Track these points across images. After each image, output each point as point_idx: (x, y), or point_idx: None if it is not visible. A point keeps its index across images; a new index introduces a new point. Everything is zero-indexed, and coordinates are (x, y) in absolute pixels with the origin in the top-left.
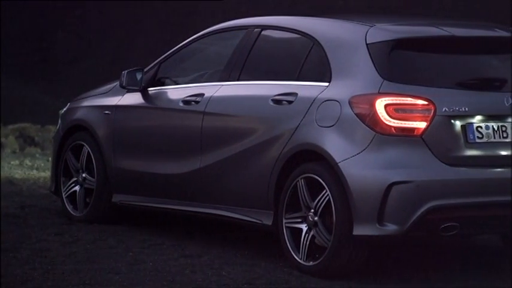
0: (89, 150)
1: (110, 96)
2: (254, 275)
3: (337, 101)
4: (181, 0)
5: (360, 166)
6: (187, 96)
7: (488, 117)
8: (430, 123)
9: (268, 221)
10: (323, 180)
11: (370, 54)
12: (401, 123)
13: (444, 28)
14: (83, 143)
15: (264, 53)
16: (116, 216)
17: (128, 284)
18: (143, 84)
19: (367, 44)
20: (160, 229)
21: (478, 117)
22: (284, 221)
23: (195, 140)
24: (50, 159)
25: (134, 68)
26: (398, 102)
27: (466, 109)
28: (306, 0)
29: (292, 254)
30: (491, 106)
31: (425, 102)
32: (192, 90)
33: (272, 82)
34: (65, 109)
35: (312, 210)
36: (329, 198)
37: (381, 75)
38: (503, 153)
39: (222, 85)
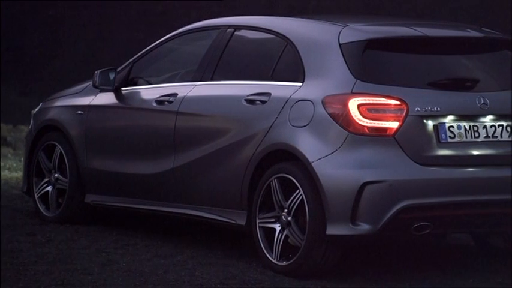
0: (62, 151)
1: (82, 96)
2: (227, 275)
3: (311, 101)
4: (154, 0)
5: (333, 166)
6: (160, 96)
7: (460, 117)
8: (403, 123)
9: (242, 221)
10: (296, 180)
11: (343, 54)
12: (374, 123)
13: (416, 28)
14: (55, 143)
15: (237, 53)
16: (88, 217)
17: (100, 285)
18: (116, 84)
19: (340, 44)
20: (134, 229)
21: (450, 117)
22: (257, 220)
23: (169, 140)
24: (22, 159)
25: (107, 68)
26: (371, 102)
27: (438, 109)
28: (280, 0)
29: (265, 254)
30: (463, 106)
31: (398, 102)
32: (165, 90)
33: (245, 82)
34: (37, 109)
35: (286, 210)
36: (302, 198)
37: (353, 75)
38: (475, 153)
39: (196, 85)
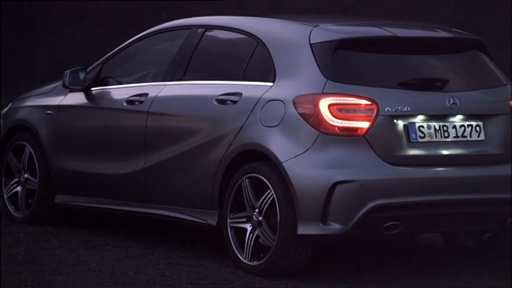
0: (31, 151)
1: (52, 96)
2: (198, 275)
3: (282, 101)
4: (126, 0)
5: (304, 166)
6: (131, 96)
7: (430, 117)
8: (373, 123)
9: (213, 221)
10: (267, 180)
11: (313, 54)
12: (344, 123)
13: (387, 28)
14: (25, 143)
15: (208, 53)
16: (58, 217)
17: (70, 286)
18: (86, 84)
19: (310, 44)
20: (104, 230)
21: (420, 117)
22: (228, 220)
23: (139, 140)
24: None
25: (77, 68)
26: (341, 102)
27: (409, 109)
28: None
29: (236, 254)
30: (433, 106)
31: (369, 102)
32: (136, 90)
33: (216, 82)
34: (6, 109)
35: (257, 210)
36: (273, 198)
37: (324, 75)
38: (445, 152)
39: (166, 85)
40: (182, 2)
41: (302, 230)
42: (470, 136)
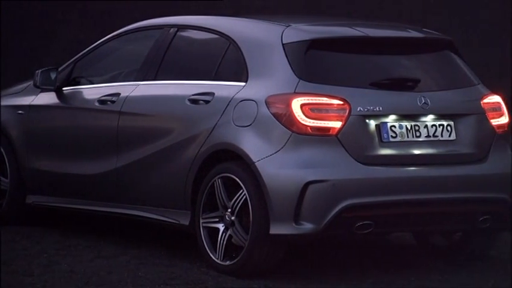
0: (2, 151)
1: (23, 96)
2: (171, 275)
3: (254, 101)
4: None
5: (277, 165)
6: (102, 96)
7: (402, 117)
8: (345, 122)
9: (186, 221)
10: (240, 180)
11: (286, 54)
12: (317, 123)
13: (358, 28)
14: None
15: (180, 53)
16: (29, 218)
17: (41, 287)
18: (58, 84)
19: (283, 44)
20: (76, 230)
21: (392, 117)
22: (201, 220)
23: (111, 140)
24: None
25: (48, 67)
26: (314, 102)
27: (380, 109)
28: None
29: (209, 254)
30: (405, 106)
31: (341, 102)
32: (108, 90)
33: (189, 82)
34: None
35: (229, 210)
36: (246, 198)
37: (296, 75)
38: (416, 152)
39: (139, 85)
40: (153, 2)
41: (275, 229)
42: (442, 136)
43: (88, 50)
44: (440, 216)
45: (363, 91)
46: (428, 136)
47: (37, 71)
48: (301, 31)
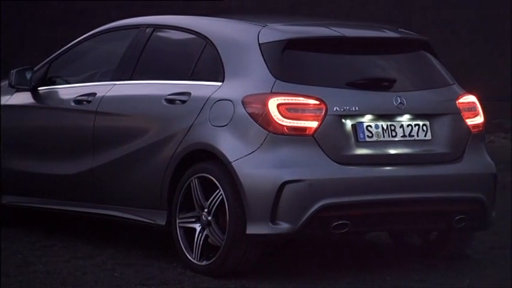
0: None
1: None
2: (147, 275)
3: (230, 101)
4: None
5: (253, 165)
6: (78, 96)
7: (378, 117)
8: (322, 122)
9: (162, 221)
10: (216, 180)
11: (262, 54)
12: (293, 123)
13: (335, 28)
14: None
15: (156, 53)
16: (5, 218)
17: (17, 287)
18: (33, 84)
19: (259, 44)
20: (52, 231)
21: (368, 117)
22: (178, 220)
23: (87, 140)
24: None
25: (24, 67)
26: (290, 101)
27: (357, 108)
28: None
29: (185, 254)
30: (381, 106)
31: (317, 102)
32: (84, 90)
33: (165, 82)
34: None
35: (206, 210)
36: (222, 198)
37: (273, 75)
38: (392, 152)
39: (115, 84)
40: (130, 2)
41: (251, 229)
42: (418, 135)
43: (64, 50)
44: (416, 216)
45: (339, 91)
46: (404, 136)
47: (12, 71)
48: (277, 31)
